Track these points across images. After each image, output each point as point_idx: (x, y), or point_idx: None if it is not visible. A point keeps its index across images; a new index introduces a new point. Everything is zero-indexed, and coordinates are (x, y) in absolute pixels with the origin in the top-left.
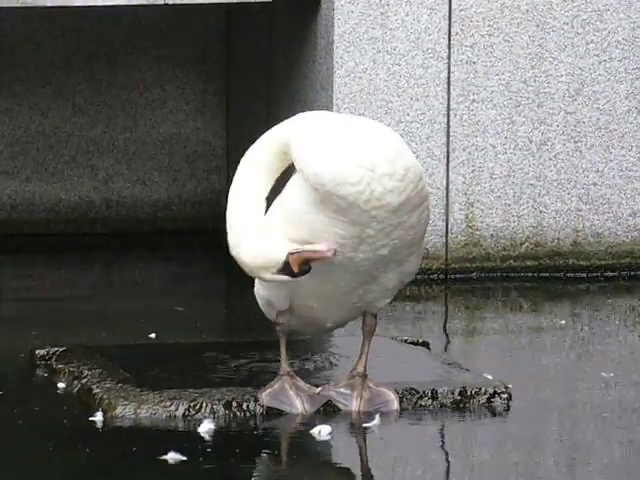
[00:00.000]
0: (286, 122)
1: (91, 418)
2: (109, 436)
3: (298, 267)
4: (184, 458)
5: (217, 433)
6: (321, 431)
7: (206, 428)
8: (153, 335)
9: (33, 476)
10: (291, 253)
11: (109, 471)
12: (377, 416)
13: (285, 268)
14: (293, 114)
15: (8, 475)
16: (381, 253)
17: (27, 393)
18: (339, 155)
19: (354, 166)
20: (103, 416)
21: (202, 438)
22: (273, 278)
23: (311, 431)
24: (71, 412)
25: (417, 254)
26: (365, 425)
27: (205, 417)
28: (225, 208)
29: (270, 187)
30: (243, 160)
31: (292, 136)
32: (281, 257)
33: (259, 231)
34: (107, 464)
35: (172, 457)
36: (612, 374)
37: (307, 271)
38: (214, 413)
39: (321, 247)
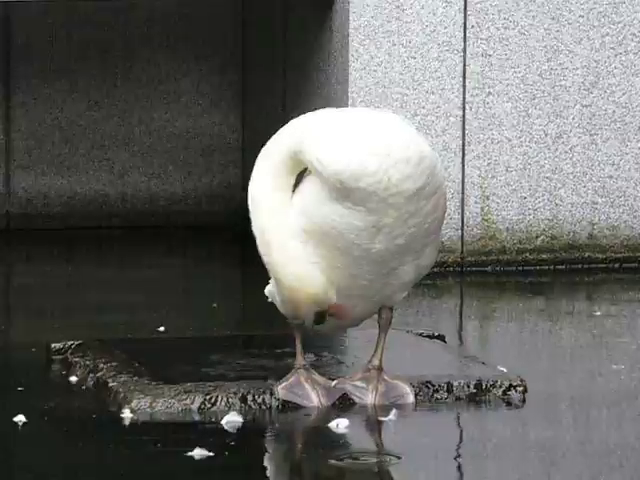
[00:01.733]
0: (284, 132)
1: (121, 415)
2: (131, 432)
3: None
4: (211, 454)
5: (238, 427)
6: (339, 424)
7: (230, 420)
8: (162, 328)
9: (60, 474)
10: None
11: (137, 471)
12: (394, 409)
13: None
14: (309, 107)
15: (35, 473)
16: (398, 242)
17: (47, 388)
18: (354, 147)
19: (371, 156)
20: (130, 412)
21: (224, 431)
22: (303, 312)
23: (329, 424)
24: (92, 407)
25: (433, 246)
26: (382, 419)
27: (228, 410)
28: (240, 202)
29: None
30: (259, 165)
31: (301, 142)
32: (331, 300)
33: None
34: (134, 463)
35: (198, 453)
36: (623, 366)
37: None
38: (230, 406)
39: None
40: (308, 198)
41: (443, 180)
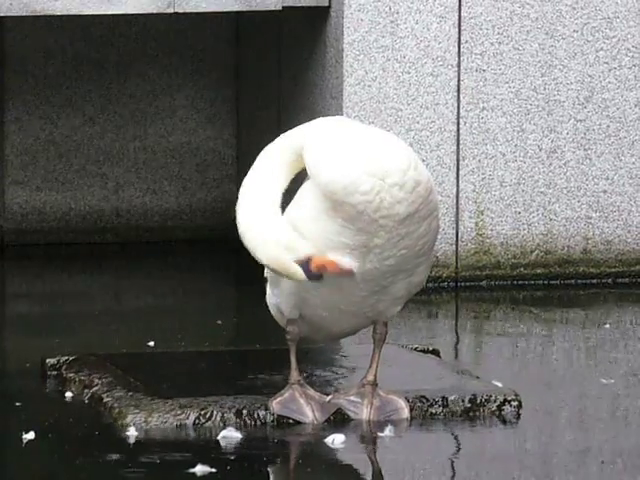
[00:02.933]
0: (302, 126)
1: (127, 433)
2: (131, 448)
3: (316, 268)
4: (213, 470)
5: (235, 442)
6: (335, 440)
7: (226, 435)
8: (152, 343)
9: None
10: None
11: None
12: (389, 424)
13: (304, 265)
14: (303, 122)
15: None
16: (388, 263)
17: (43, 404)
18: (351, 163)
19: (365, 175)
20: (136, 430)
21: (222, 447)
22: (286, 266)
23: (325, 440)
24: (90, 423)
25: (426, 265)
26: (378, 434)
27: (224, 425)
28: (234, 217)
29: (287, 182)
30: (259, 156)
31: (306, 142)
32: (305, 250)
33: (277, 216)
34: None
35: (200, 470)
36: (612, 380)
37: (319, 277)
38: (225, 421)
39: (345, 263)
40: (303, 212)
41: (437, 205)
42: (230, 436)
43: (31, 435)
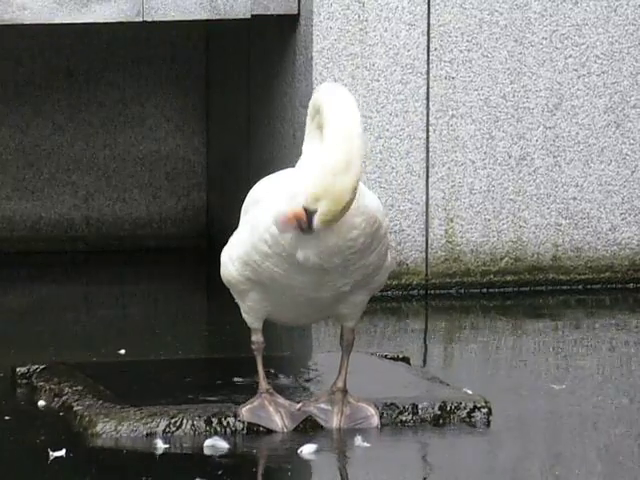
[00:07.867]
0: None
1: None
2: (107, 462)
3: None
4: None
5: (222, 452)
6: (304, 449)
7: (213, 445)
8: (123, 351)
9: None
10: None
11: None
12: (359, 432)
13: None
14: (273, 131)
15: None
16: (343, 290)
17: (15, 413)
18: (330, 250)
19: (329, 256)
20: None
21: (208, 456)
22: None
23: (297, 449)
24: (64, 434)
25: (383, 272)
26: (348, 442)
27: (194, 433)
28: (204, 225)
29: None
30: None
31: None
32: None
33: None
34: None
35: None
36: (564, 386)
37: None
38: (195, 430)
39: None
40: (253, 251)
41: (387, 232)
42: (216, 445)
43: (61, 452)
